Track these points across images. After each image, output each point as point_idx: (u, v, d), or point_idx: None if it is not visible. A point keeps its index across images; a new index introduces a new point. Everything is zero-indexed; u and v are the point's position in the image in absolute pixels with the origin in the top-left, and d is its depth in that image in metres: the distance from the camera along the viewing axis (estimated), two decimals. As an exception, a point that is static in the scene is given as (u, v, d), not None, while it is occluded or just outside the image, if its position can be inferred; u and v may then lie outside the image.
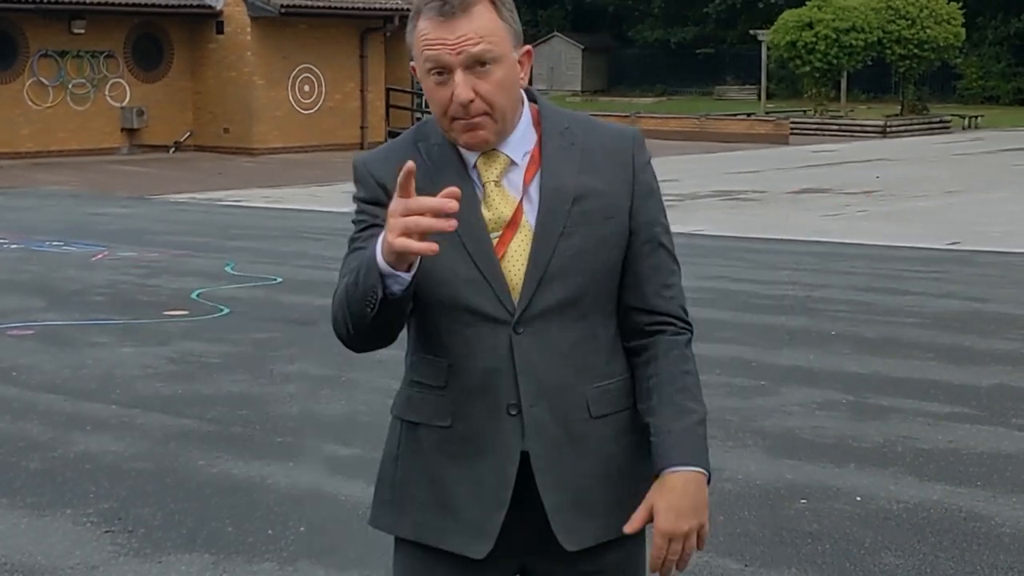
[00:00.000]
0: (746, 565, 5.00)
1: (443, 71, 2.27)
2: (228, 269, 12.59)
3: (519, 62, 2.34)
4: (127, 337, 9.33)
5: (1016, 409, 7.31)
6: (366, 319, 2.19)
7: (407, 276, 2.13)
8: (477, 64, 2.25)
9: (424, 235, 2.07)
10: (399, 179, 2.06)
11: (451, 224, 2.05)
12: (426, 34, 2.26)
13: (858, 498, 5.78)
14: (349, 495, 5.73)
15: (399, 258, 2.10)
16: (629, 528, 2.33)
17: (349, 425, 6.99)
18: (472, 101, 2.26)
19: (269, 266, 12.78)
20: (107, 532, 5.36)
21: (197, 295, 11.07)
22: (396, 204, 2.07)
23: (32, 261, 13.17)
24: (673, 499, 2.29)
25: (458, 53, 2.24)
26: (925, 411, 7.26)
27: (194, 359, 8.62)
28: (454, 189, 2.08)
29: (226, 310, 10.38)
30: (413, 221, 2.04)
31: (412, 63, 2.38)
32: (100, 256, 13.55)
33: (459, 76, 2.25)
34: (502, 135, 2.34)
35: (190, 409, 7.33)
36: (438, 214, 2.05)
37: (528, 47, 2.38)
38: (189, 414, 7.23)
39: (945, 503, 5.72)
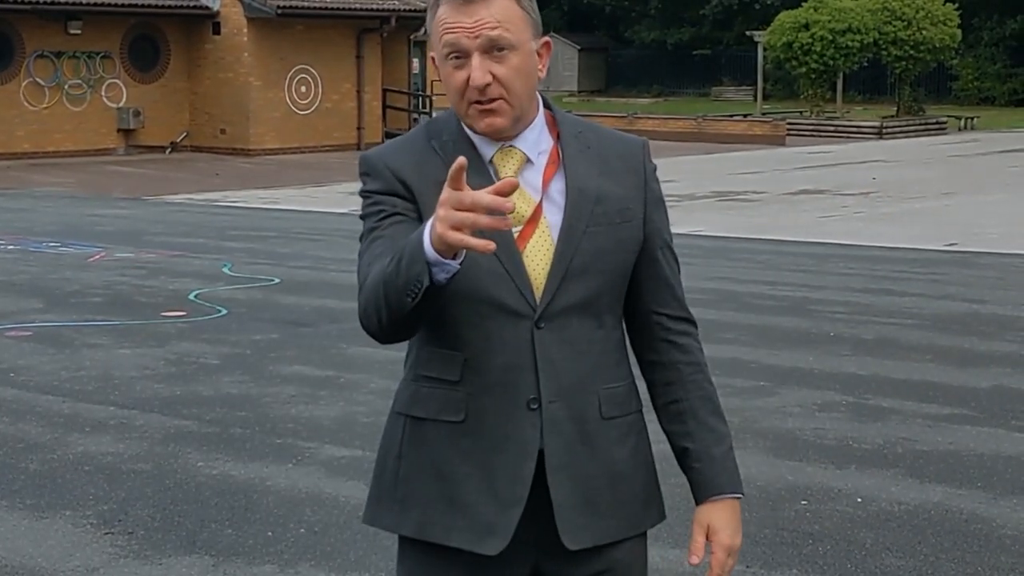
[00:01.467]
0: (747, 566, 4.99)
1: (460, 55, 2.29)
2: (225, 270, 12.58)
3: (538, 53, 2.37)
4: (125, 338, 9.32)
5: (1015, 411, 7.31)
6: (405, 308, 2.15)
7: (455, 264, 2.09)
8: (494, 48, 2.28)
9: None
10: (451, 171, 2.02)
11: (507, 223, 2.03)
12: (445, 19, 2.29)
13: (859, 499, 5.78)
14: (349, 497, 5.72)
15: (448, 247, 2.06)
16: (695, 559, 2.45)
17: (348, 427, 6.98)
18: (488, 85, 2.28)
19: (266, 267, 12.77)
20: (107, 534, 5.35)
21: (195, 296, 11.06)
22: (448, 196, 2.02)
23: (29, 262, 13.16)
24: (726, 518, 2.48)
25: (475, 36, 2.27)
26: (925, 413, 7.26)
27: (192, 360, 8.60)
28: (511, 181, 2.05)
29: (224, 311, 10.36)
30: (471, 218, 2.00)
31: (431, 54, 2.39)
32: (97, 257, 13.53)
33: (476, 59, 2.27)
34: (519, 124, 2.35)
35: (189, 410, 7.32)
36: (493, 212, 2.01)
37: (547, 39, 2.40)
38: (188, 415, 7.21)
39: (945, 505, 5.72)
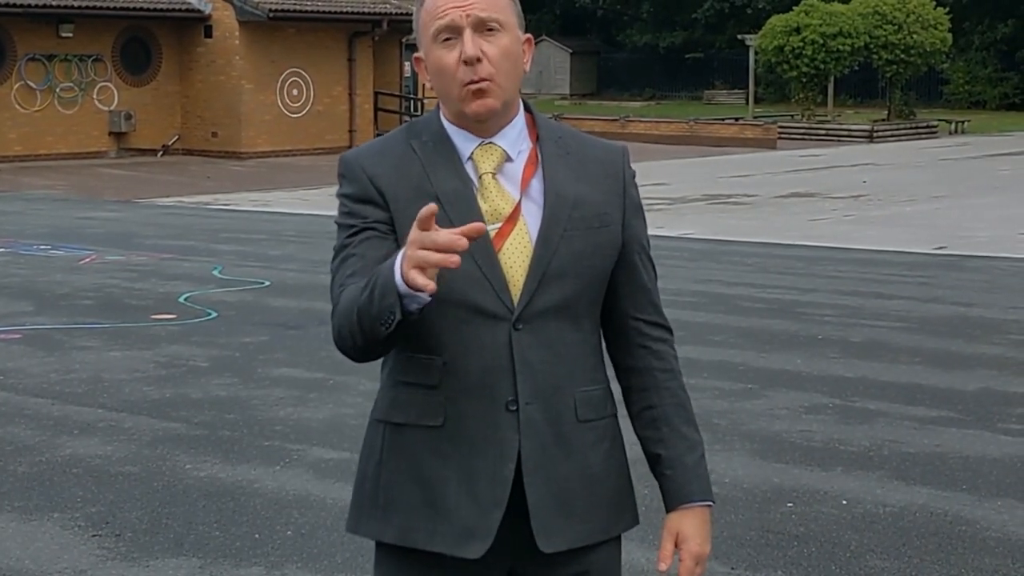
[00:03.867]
0: (732, 568, 5.01)
1: (452, 36, 2.32)
2: (216, 273, 12.58)
3: (522, 47, 2.41)
4: (115, 341, 9.33)
5: (1001, 413, 7.34)
6: (379, 337, 2.21)
7: (426, 296, 2.14)
8: (484, 28, 2.32)
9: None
10: (419, 216, 2.07)
11: (455, 261, 2.07)
12: (436, 4, 2.33)
13: (844, 501, 5.80)
14: (336, 499, 5.73)
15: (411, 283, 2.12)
16: (663, 566, 2.46)
17: (336, 429, 6.99)
18: (479, 60, 2.31)
19: (257, 270, 12.78)
20: (95, 536, 5.36)
21: (185, 299, 11.06)
22: (415, 236, 2.08)
23: (20, 265, 13.15)
24: (696, 526, 2.49)
25: (467, 14, 2.31)
26: (911, 415, 7.29)
27: (182, 363, 8.61)
28: (478, 226, 2.11)
29: (214, 314, 10.37)
30: (423, 256, 2.06)
31: (416, 54, 2.42)
32: (88, 260, 13.53)
33: (467, 35, 2.31)
34: (506, 114, 2.38)
35: (178, 413, 7.33)
36: (448, 249, 2.07)
37: (529, 35, 2.44)
38: (177, 418, 7.22)
39: (930, 507, 5.74)
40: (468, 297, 2.32)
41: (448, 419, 2.36)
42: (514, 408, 2.35)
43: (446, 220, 2.29)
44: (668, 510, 2.49)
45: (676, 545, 2.47)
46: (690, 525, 2.47)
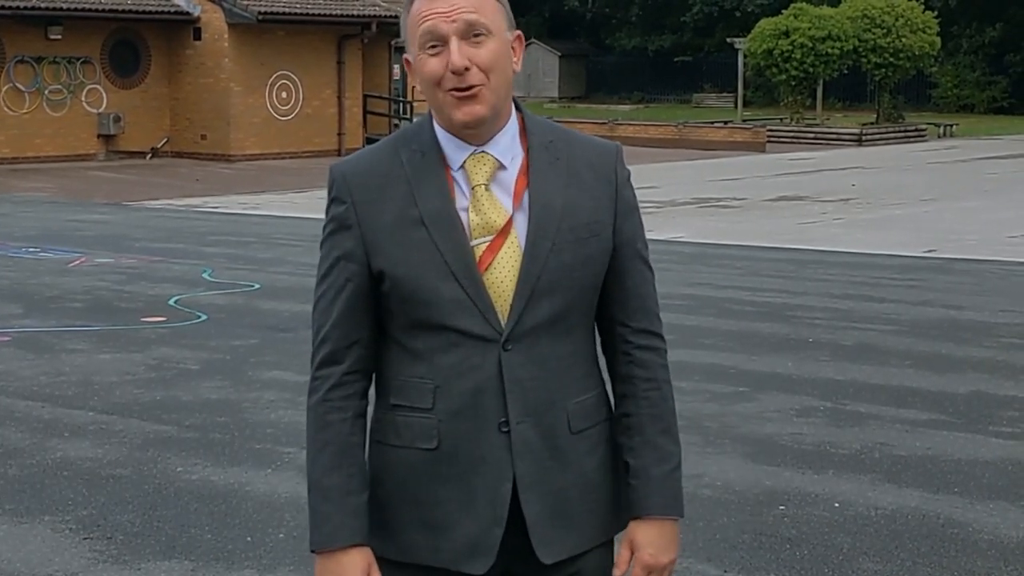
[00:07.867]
0: (725, 571, 5.02)
1: (438, 43, 2.28)
2: (205, 276, 12.56)
3: (511, 47, 2.36)
4: (105, 343, 9.30)
5: (992, 416, 7.35)
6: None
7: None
8: (472, 33, 2.27)
9: None
10: None
11: None
12: (421, 10, 2.30)
13: (836, 504, 5.81)
14: (329, 502, 5.71)
15: None
16: (617, 571, 2.44)
17: (328, 432, 6.96)
18: (468, 69, 2.27)
19: (247, 272, 12.76)
20: (86, 539, 5.35)
21: (175, 301, 11.04)
22: None
23: (9, 268, 13.11)
24: (652, 537, 2.43)
25: (453, 21, 2.27)
26: (902, 418, 7.30)
27: (172, 366, 8.59)
28: None
29: (204, 316, 10.35)
30: None
31: (406, 55, 2.39)
32: (77, 262, 13.50)
33: (454, 43, 2.27)
34: (496, 121, 2.34)
35: (168, 416, 7.31)
36: None
37: (519, 32, 2.39)
38: (167, 421, 7.21)
39: (922, 509, 5.75)
40: (456, 322, 2.31)
41: (443, 441, 2.35)
42: (506, 429, 2.34)
43: (430, 242, 2.29)
44: (629, 519, 2.47)
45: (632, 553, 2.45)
46: (644, 535, 2.43)
